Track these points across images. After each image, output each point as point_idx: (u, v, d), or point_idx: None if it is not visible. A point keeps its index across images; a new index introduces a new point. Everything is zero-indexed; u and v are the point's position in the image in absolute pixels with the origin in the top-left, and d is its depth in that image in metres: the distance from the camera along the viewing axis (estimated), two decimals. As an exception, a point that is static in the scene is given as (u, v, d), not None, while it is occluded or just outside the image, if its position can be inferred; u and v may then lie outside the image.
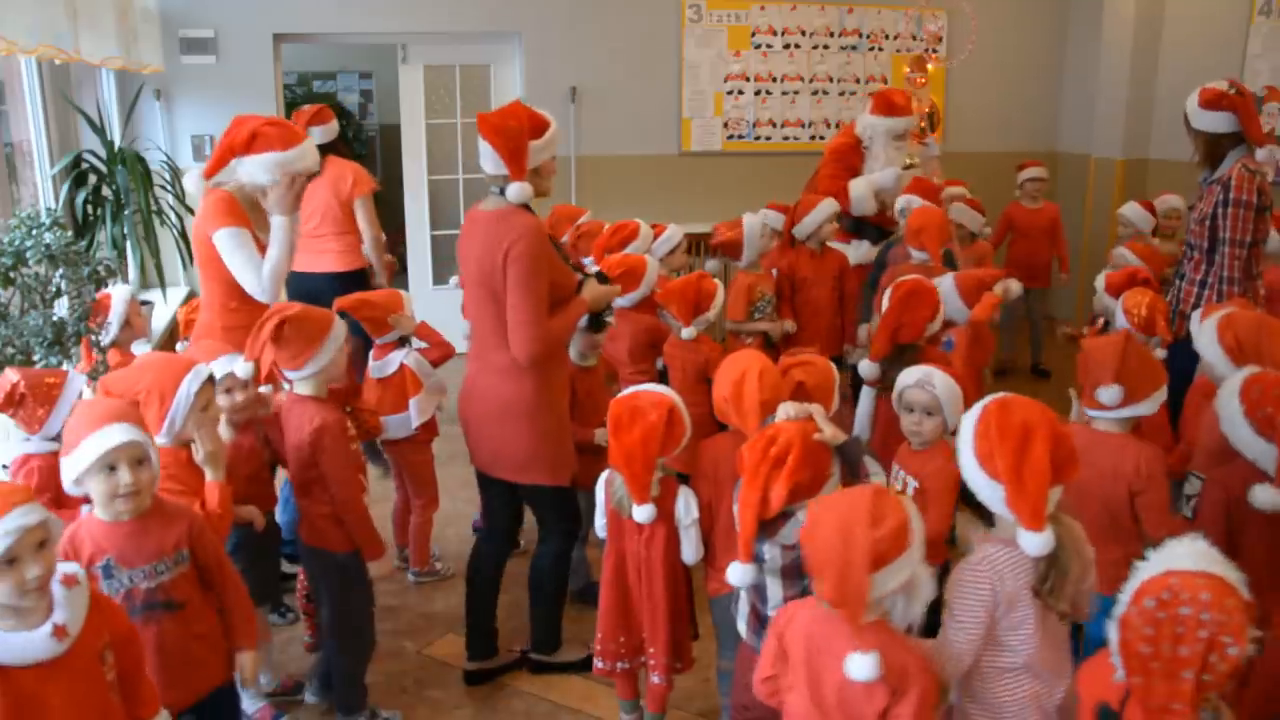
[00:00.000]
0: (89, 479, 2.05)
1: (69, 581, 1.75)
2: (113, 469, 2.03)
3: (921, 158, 5.36)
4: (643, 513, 2.51)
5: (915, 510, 1.79)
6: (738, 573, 2.13)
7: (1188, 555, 1.58)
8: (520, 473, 3.02)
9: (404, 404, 3.59)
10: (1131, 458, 2.56)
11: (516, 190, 2.83)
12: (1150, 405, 2.58)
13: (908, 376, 2.79)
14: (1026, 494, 1.84)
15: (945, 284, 3.59)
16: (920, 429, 2.75)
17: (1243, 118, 3.69)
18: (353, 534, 2.77)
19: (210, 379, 2.48)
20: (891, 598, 1.78)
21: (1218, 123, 3.72)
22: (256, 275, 3.07)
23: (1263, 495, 2.40)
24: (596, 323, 3.21)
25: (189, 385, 2.39)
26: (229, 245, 3.07)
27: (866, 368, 3.29)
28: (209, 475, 2.46)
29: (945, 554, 2.86)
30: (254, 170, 3.05)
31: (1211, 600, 1.49)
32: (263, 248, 3.17)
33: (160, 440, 2.38)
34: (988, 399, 1.99)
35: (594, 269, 3.34)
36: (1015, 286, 3.82)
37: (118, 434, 2.02)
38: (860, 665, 1.72)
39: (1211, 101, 3.73)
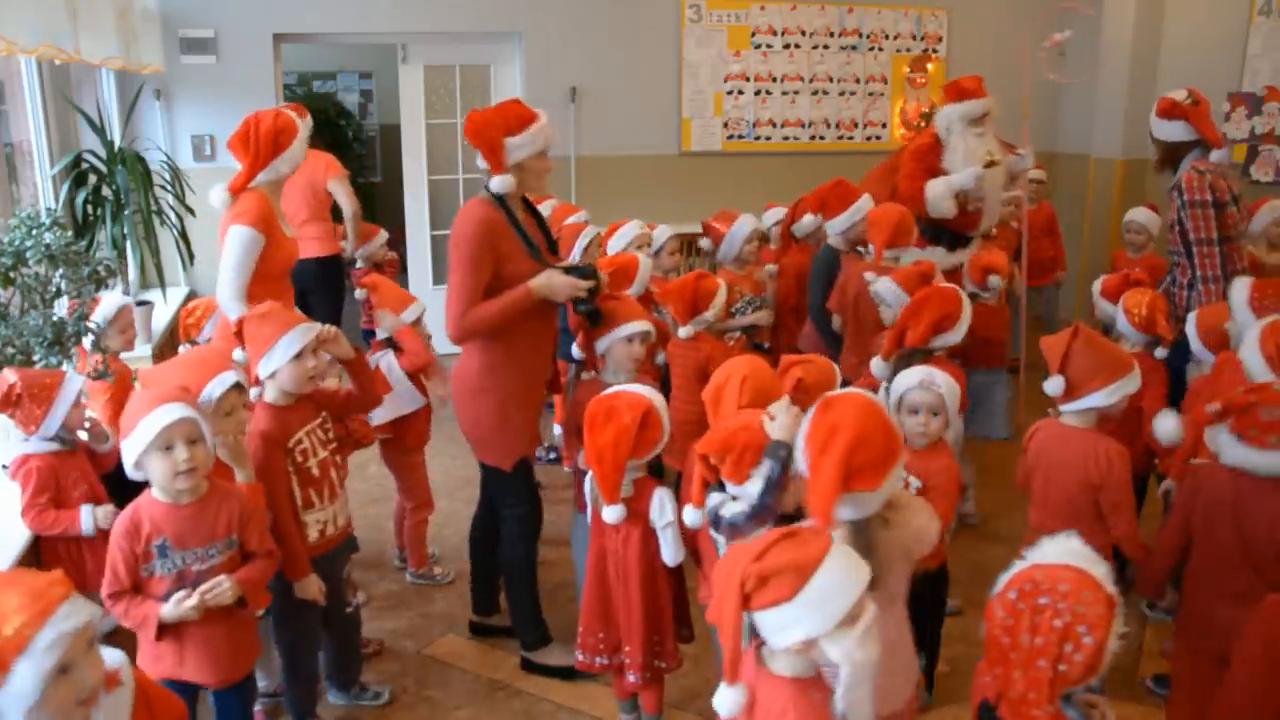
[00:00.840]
0: (148, 459, 2.18)
1: (110, 683, 1.51)
2: (169, 448, 2.16)
3: (1014, 168, 4.86)
4: (611, 513, 2.52)
5: (841, 572, 1.53)
6: (690, 515, 2.31)
7: (1058, 552, 1.60)
8: (473, 448, 3.19)
9: None
10: (1090, 453, 2.59)
11: (497, 182, 2.93)
12: (1105, 397, 2.58)
13: (909, 379, 2.79)
14: (817, 493, 1.85)
15: (886, 284, 3.59)
16: (927, 429, 2.75)
17: (1196, 124, 3.80)
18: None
19: (237, 385, 2.49)
20: (810, 656, 1.58)
21: (1174, 131, 3.85)
22: (236, 291, 3.16)
23: (1163, 426, 2.48)
24: (578, 307, 3.02)
25: (211, 389, 2.43)
26: (236, 245, 3.16)
27: (878, 367, 3.29)
28: (238, 475, 2.50)
29: (943, 554, 2.86)
30: (295, 156, 3.32)
31: (1069, 591, 1.52)
32: (282, 241, 3.29)
33: None
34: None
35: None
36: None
37: (172, 412, 2.16)
38: (720, 699, 1.60)
39: (1166, 111, 3.86)
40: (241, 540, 2.34)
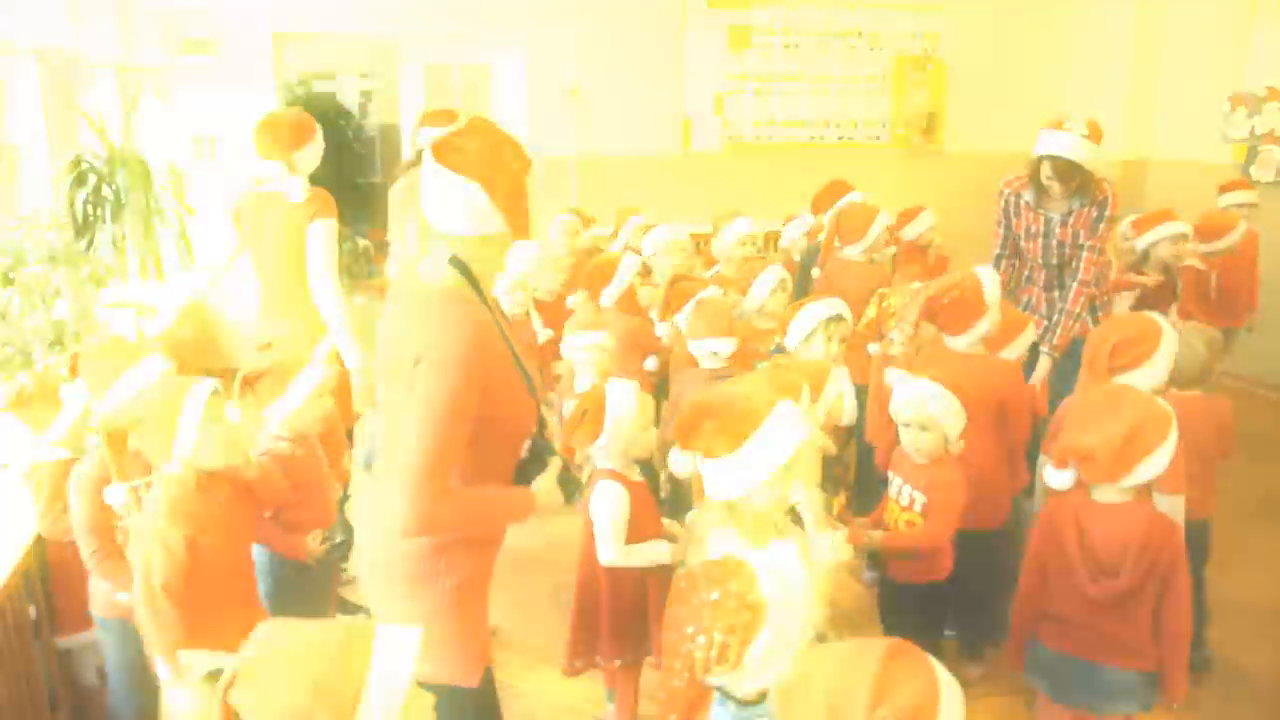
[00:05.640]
0: None
1: None
2: None
3: None
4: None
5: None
6: None
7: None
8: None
9: None
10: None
11: (431, 268, 1.89)
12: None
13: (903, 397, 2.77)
14: None
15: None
16: (918, 445, 2.74)
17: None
18: None
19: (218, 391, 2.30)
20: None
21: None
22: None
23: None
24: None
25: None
26: (334, 240, 3.24)
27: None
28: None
29: (949, 567, 2.84)
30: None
31: (704, 585, 1.51)
32: None
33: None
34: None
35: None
36: None
37: None
38: None
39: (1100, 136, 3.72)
40: None
